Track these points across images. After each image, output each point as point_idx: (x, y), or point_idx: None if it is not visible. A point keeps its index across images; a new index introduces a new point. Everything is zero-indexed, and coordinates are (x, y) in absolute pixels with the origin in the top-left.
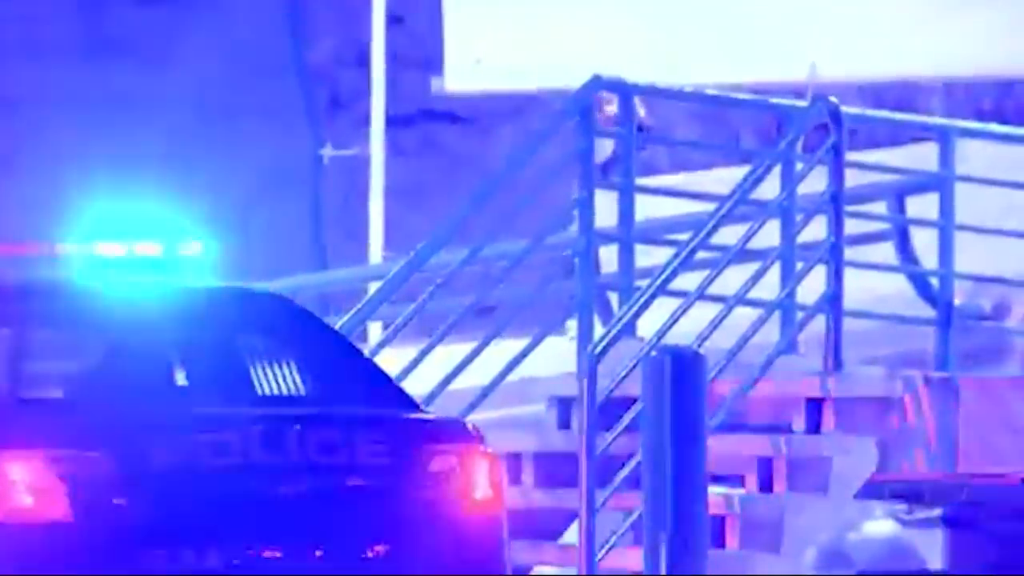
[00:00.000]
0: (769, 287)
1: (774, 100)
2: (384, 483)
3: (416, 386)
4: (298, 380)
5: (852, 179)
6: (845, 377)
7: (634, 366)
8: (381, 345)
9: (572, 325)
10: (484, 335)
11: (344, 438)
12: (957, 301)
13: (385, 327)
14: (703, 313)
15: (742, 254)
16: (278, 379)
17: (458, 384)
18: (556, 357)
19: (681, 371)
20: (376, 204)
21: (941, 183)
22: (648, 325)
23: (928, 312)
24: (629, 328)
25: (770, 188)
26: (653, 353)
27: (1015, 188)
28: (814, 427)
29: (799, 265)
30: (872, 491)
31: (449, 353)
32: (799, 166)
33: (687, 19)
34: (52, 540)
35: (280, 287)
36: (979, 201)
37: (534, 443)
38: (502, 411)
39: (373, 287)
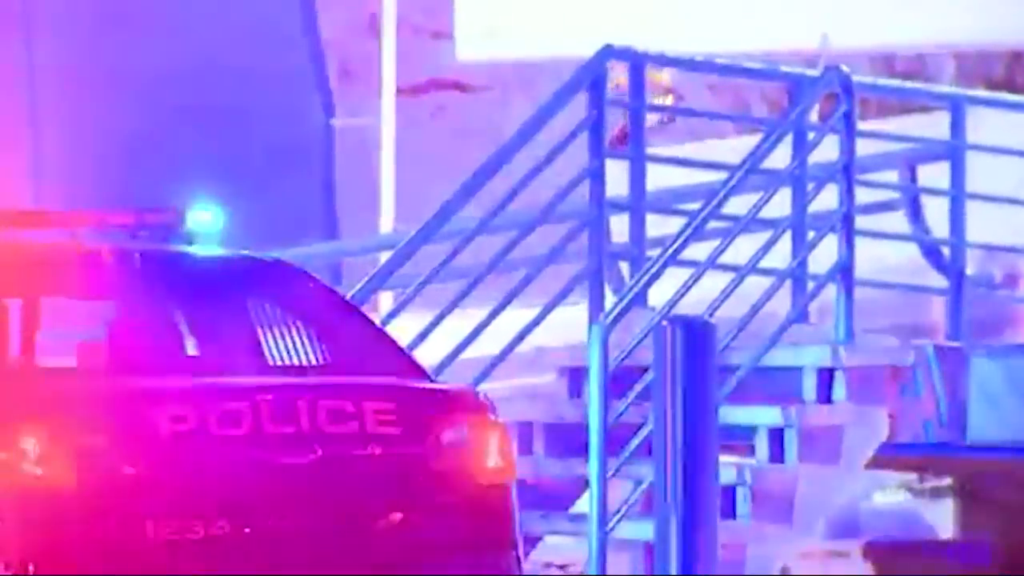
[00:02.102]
0: (780, 256)
1: (785, 69)
2: (394, 452)
3: (427, 355)
4: (308, 349)
5: (864, 148)
6: (856, 346)
7: (645, 335)
8: (392, 314)
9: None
10: (495, 305)
11: (354, 407)
12: (969, 270)
13: (396, 297)
14: (714, 282)
15: (753, 223)
16: (288, 348)
17: (469, 353)
18: (567, 327)
19: (692, 340)
20: (387, 174)
21: (953, 152)
22: (659, 295)
23: (940, 281)
24: (640, 298)
25: (781, 157)
26: (664, 323)
27: None
28: (825, 397)
29: (810, 234)
30: (883, 461)
31: (460, 323)
32: (811, 135)
33: None
34: (61, 509)
35: (291, 256)
36: (992, 171)
37: (545, 413)
38: (513, 381)
39: (384, 256)
